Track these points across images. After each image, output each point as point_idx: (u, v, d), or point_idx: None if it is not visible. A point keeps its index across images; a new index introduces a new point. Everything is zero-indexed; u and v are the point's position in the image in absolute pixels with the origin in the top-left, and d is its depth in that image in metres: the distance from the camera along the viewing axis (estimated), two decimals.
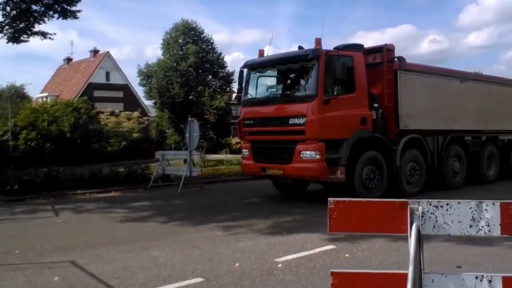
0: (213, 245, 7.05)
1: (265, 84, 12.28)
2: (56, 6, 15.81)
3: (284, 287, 5.05)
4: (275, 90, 12.00)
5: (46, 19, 15.92)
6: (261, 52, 12.59)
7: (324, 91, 10.26)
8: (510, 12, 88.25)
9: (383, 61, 11.70)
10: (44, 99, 37.67)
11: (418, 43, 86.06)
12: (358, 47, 11.42)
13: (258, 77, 12.17)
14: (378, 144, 11.20)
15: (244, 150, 12.07)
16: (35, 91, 53.81)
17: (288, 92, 11.50)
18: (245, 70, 12.22)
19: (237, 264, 5.89)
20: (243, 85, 12.15)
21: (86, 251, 6.86)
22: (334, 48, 10.98)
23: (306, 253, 6.38)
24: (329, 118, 10.29)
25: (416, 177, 12.11)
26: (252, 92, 12.08)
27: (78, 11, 16.17)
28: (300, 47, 11.73)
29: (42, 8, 15.88)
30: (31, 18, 15.79)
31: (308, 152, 10.23)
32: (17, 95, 34.67)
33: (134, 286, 5.15)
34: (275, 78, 12.15)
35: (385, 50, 11.77)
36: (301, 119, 10.37)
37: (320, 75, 10.26)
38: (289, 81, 11.68)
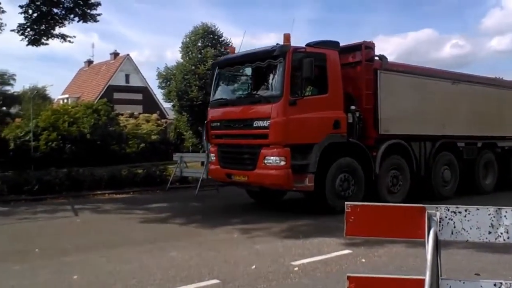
0: (229, 247, 7.09)
1: (234, 83, 11.52)
2: (77, 10, 16.10)
3: None
4: (241, 90, 11.21)
5: (66, 22, 16.22)
6: (231, 50, 11.86)
7: (291, 91, 9.37)
8: None
9: (362, 59, 10.73)
10: (65, 100, 38.26)
11: (439, 47, 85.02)
12: (332, 44, 10.30)
13: (227, 76, 11.41)
14: (354, 150, 10.25)
15: (211, 155, 11.29)
16: (56, 93, 54.67)
17: (254, 92, 10.52)
18: (216, 69, 11.45)
19: (253, 267, 5.91)
20: (212, 85, 11.42)
21: (104, 250, 6.97)
22: (306, 45, 10.00)
23: (322, 257, 6.36)
24: (295, 121, 9.39)
25: (399, 186, 11.03)
26: (220, 92, 11.22)
27: (98, 14, 16.45)
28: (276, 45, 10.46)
29: (63, 11, 16.19)
30: (52, 21, 16.10)
31: (272, 158, 9.31)
32: (39, 96, 35.29)
33: (151, 286, 5.21)
34: (243, 77, 11.30)
35: (364, 48, 10.77)
36: (265, 122, 9.46)
37: (286, 74, 9.34)
38: (256, 80, 10.65)
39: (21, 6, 15.68)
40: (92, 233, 8.46)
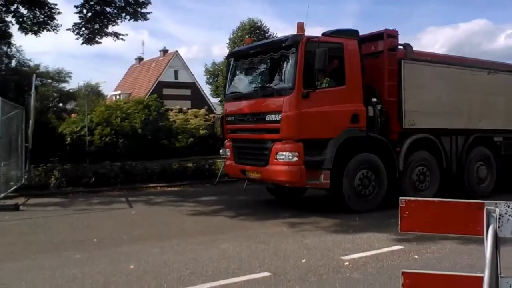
0: (279, 240, 7.16)
1: (248, 76, 10.92)
2: (128, 8, 16.62)
3: (351, 286, 5.05)
4: (255, 82, 10.60)
5: (118, 20, 16.80)
6: (247, 41, 11.40)
7: (304, 83, 8.89)
8: None
9: (384, 49, 10.08)
10: (117, 96, 39.52)
11: (493, 38, 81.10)
12: (351, 33, 9.77)
13: (242, 69, 10.92)
14: (375, 145, 9.67)
15: (226, 150, 10.95)
16: (109, 89, 56.63)
17: (267, 84, 9.98)
18: (231, 60, 11.14)
19: (303, 260, 5.95)
20: (227, 77, 11.16)
21: (158, 241, 7.21)
22: (322, 34, 9.54)
23: (374, 252, 6.32)
24: (309, 114, 8.94)
25: (427, 183, 10.36)
26: (235, 85, 10.88)
27: (148, 13, 16.97)
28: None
29: (115, 10, 16.75)
30: (105, 20, 16.72)
31: (284, 154, 8.86)
32: (93, 92, 36.65)
33: (204, 277, 5.36)
34: (257, 69, 10.65)
35: (386, 36, 10.10)
36: (277, 116, 9.08)
37: (299, 65, 8.86)
38: (269, 72, 10.12)
39: (76, 6, 16.39)
40: (146, 225, 8.76)
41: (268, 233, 7.77)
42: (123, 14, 16.71)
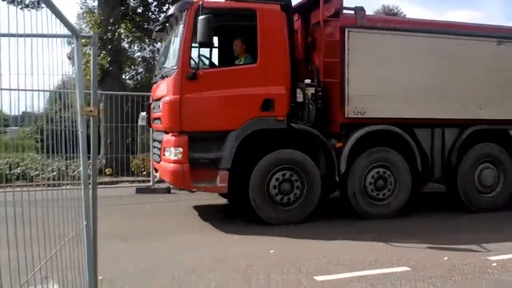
0: (415, 235, 6.79)
1: (163, 53, 9.00)
2: None
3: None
4: (162, 61, 8.80)
5: None
6: None
7: (190, 61, 7.14)
8: None
9: (321, 15, 7.71)
10: None
11: None
12: None
13: (162, 45, 9.41)
14: (304, 139, 7.54)
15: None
16: None
17: (165, 64, 8.24)
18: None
19: (445, 258, 5.60)
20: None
21: (296, 229, 7.13)
22: None
23: None
24: (196, 100, 7.08)
25: (389, 192, 7.83)
26: (157, 66, 9.39)
27: None
28: None
29: None
30: None
31: (169, 149, 7.21)
32: None
33: (341, 266, 5.29)
34: (167, 45, 8.49)
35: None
36: (161, 102, 7.55)
37: (184, 39, 7.07)
38: (170, 49, 8.08)
39: None
40: None
41: (402, 226, 7.34)
42: None
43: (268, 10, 7.40)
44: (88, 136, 3.41)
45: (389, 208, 7.86)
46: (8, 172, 9.03)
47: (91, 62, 3.67)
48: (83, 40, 4.39)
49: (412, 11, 72.99)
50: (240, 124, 7.17)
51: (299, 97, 7.51)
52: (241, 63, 7.67)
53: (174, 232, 7.01)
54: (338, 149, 7.60)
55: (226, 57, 8.21)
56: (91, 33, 3.88)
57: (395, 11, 32.73)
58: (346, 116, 7.58)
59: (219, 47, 8.93)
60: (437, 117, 8.08)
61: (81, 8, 16.59)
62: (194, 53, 7.24)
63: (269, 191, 7.27)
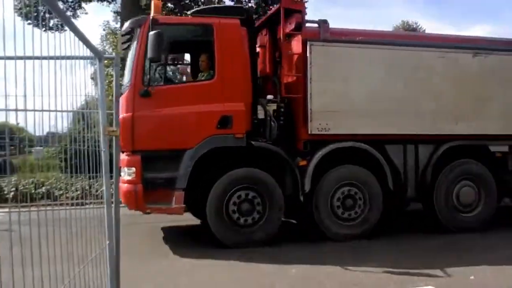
0: (437, 255, 6.51)
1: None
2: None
3: None
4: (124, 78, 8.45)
5: None
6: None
7: (143, 78, 6.89)
8: None
9: (282, 29, 7.45)
10: None
11: None
12: (233, 10, 7.58)
13: None
14: (266, 157, 7.23)
15: None
16: None
17: (124, 81, 7.90)
18: None
19: (471, 277, 5.38)
20: None
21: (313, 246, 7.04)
22: (191, 14, 7.67)
23: None
24: (149, 118, 6.86)
25: (359, 211, 7.46)
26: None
27: None
28: None
29: None
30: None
31: (123, 169, 6.84)
32: None
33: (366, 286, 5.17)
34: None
35: (283, 12, 7.33)
36: None
37: (137, 55, 6.90)
38: (127, 65, 7.78)
39: None
40: None
41: (426, 247, 6.98)
42: None
43: (225, 24, 7.19)
44: (110, 156, 3.55)
45: (360, 228, 7.46)
46: (33, 191, 9.26)
47: (114, 82, 3.82)
48: (106, 62, 4.51)
49: (431, 26, 71.83)
50: (196, 142, 6.89)
51: (260, 114, 7.26)
52: (202, 78, 7.47)
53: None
54: (302, 168, 7.24)
55: (195, 74, 7.98)
56: (114, 54, 3.93)
57: (414, 27, 32.29)
58: (309, 132, 7.25)
59: (191, 63, 8.76)
60: (409, 132, 7.67)
61: (104, 30, 16.97)
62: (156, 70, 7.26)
63: (228, 212, 6.94)
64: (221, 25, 7.17)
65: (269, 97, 7.45)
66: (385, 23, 77.17)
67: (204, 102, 7.08)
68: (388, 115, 7.53)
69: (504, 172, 8.23)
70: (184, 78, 8.04)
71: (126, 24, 7.55)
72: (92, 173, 3.45)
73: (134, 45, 7.17)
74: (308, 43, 7.23)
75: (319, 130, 7.26)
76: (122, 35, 8.04)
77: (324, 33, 7.41)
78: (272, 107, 7.38)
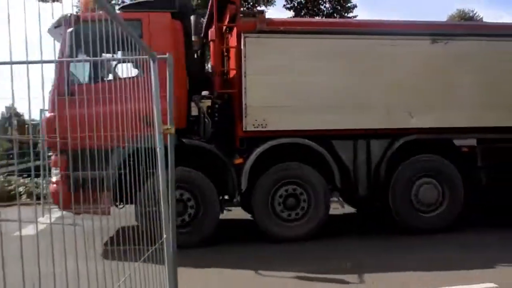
0: (495, 251, 6.27)
1: None
2: (335, 15, 18.79)
3: None
4: None
5: None
6: None
7: (65, 76, 6.47)
8: None
9: (214, 20, 7.15)
10: None
11: None
12: (162, 4, 7.01)
13: None
14: (200, 156, 6.90)
15: None
16: None
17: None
18: None
19: None
20: None
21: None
22: (120, 9, 7.33)
23: None
24: (73, 118, 5.82)
25: (301, 211, 7.06)
26: None
27: (354, 16, 17.78)
28: None
29: (323, 18, 18.53)
30: None
31: (51, 169, 6.60)
32: None
33: (416, 284, 5.13)
34: None
35: (214, 3, 7.03)
36: None
37: (60, 52, 6.62)
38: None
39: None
40: None
41: (482, 243, 6.69)
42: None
43: (154, 19, 6.89)
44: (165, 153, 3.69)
45: (304, 228, 7.04)
46: None
47: (167, 82, 3.93)
48: None
49: (490, 14, 65.06)
50: (123, 141, 6.87)
51: (194, 111, 7.02)
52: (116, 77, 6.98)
53: None
54: (238, 166, 6.93)
55: None
56: (167, 54, 4.06)
57: (470, 15, 29.96)
58: (244, 129, 6.92)
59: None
60: (357, 127, 7.16)
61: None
62: (80, 68, 7.04)
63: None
64: (150, 20, 6.88)
65: (204, 93, 7.21)
66: (440, 13, 70.29)
67: (130, 99, 7.07)
68: (332, 109, 7.03)
69: (472, 168, 7.49)
70: (111, 76, 8.12)
71: (54, 21, 7.20)
72: (149, 169, 3.62)
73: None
74: (243, 35, 6.91)
75: (255, 126, 6.90)
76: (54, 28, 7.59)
77: (260, 24, 6.98)
78: (206, 103, 7.11)
